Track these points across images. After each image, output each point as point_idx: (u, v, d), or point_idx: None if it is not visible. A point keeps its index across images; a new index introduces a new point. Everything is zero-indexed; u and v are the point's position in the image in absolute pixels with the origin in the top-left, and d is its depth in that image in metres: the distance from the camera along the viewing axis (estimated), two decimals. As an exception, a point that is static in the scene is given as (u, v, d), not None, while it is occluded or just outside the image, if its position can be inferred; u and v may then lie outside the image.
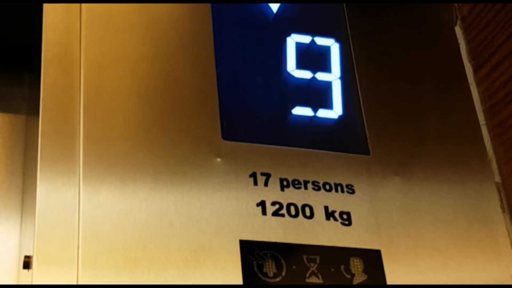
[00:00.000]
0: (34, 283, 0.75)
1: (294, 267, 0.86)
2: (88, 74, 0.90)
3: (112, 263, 0.79)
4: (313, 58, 1.04)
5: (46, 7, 0.92)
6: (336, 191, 0.93)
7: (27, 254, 0.84)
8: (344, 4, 1.09)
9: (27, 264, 0.80)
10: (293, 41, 1.03)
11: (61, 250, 0.78)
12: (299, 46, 1.04)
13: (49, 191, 0.81)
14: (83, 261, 0.78)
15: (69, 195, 0.82)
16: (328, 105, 1.01)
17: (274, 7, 1.06)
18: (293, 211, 0.90)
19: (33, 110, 1.04)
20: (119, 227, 0.81)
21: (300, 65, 1.02)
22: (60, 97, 0.88)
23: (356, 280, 0.88)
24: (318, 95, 1.02)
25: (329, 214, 0.91)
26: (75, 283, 0.76)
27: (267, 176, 0.91)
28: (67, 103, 0.87)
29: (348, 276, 0.87)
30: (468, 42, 1.15)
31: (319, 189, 0.93)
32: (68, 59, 0.90)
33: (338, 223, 0.91)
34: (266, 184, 0.90)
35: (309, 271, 0.86)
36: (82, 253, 0.78)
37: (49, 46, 0.90)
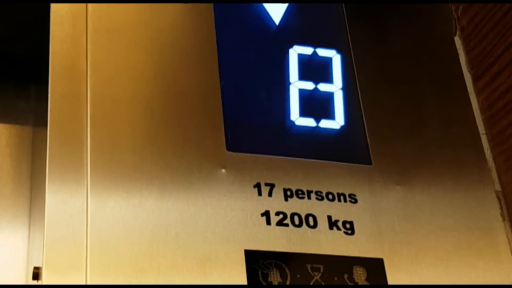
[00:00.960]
0: (44, 293, 0.77)
1: (298, 276, 0.87)
2: (95, 86, 0.91)
3: (120, 273, 0.80)
4: (315, 69, 1.06)
5: (53, 20, 0.94)
6: (339, 200, 0.95)
7: (35, 265, 0.85)
8: (345, 14, 1.11)
9: (36, 275, 0.81)
10: (295, 52, 1.05)
11: (70, 261, 0.79)
12: (301, 57, 1.05)
13: (58, 202, 0.83)
14: (92, 271, 0.79)
15: (77, 206, 0.83)
16: (331, 115, 1.02)
17: (277, 19, 1.08)
18: (297, 221, 0.91)
19: (40, 122, 1.05)
20: (126, 238, 0.83)
21: (302, 76, 1.04)
22: (67, 109, 0.89)
23: (359, 289, 0.89)
24: (321, 106, 1.03)
25: (332, 224, 0.93)
26: (84, 293, 0.78)
27: (271, 186, 0.93)
28: (74, 115, 0.89)
29: (352, 285, 0.89)
30: (467, 52, 1.17)
31: (322, 198, 0.94)
32: (75, 72, 0.92)
33: (341, 232, 0.92)
34: (270, 194, 0.92)
35: (313, 280, 0.88)
36: (91, 263, 0.80)
37: (56, 59, 0.92)
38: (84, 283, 0.78)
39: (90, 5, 0.96)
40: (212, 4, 1.03)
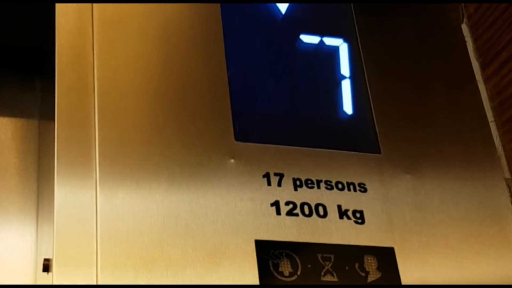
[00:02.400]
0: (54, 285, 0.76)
1: (309, 265, 0.87)
2: (102, 77, 0.91)
3: (130, 264, 0.80)
4: (323, 58, 1.05)
5: (58, 11, 0.93)
6: (349, 190, 0.94)
7: (44, 257, 0.85)
8: (351, 4, 1.10)
9: (47, 267, 0.81)
10: (302, 41, 1.04)
11: (80, 253, 0.79)
12: (308, 46, 1.04)
13: (67, 194, 0.82)
14: (102, 263, 0.79)
15: (86, 199, 0.82)
16: (339, 105, 1.02)
17: (283, 8, 1.07)
18: (306, 211, 0.91)
19: (46, 114, 1.05)
20: (136, 229, 0.82)
21: (309, 65, 1.03)
22: (74, 101, 0.88)
23: (371, 278, 0.88)
24: (329, 95, 1.02)
25: (342, 213, 0.92)
26: (95, 284, 0.77)
27: (281, 176, 0.92)
28: (81, 107, 0.88)
29: (363, 274, 0.88)
30: (475, 40, 1.16)
31: (332, 188, 0.93)
32: (81, 63, 0.91)
33: (351, 222, 0.92)
34: (279, 184, 0.91)
35: (324, 270, 0.87)
36: (101, 255, 0.79)
37: (62, 50, 0.91)
38: (94, 275, 0.78)
39: (96, -4, 0.95)
40: (218, -5, 1.03)
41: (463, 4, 1.18)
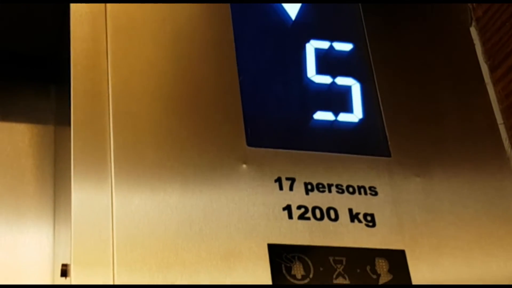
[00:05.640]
0: (72, 290, 0.78)
1: (321, 268, 0.88)
2: (116, 84, 0.92)
3: (146, 269, 0.81)
4: (332, 63, 1.06)
5: (73, 21, 0.95)
6: (360, 193, 0.95)
7: (61, 262, 0.87)
8: (360, 8, 1.11)
9: (64, 272, 0.82)
10: (312, 47, 1.05)
11: (97, 258, 0.80)
12: (318, 51, 1.06)
13: (83, 200, 0.84)
14: (119, 267, 0.81)
15: (103, 204, 0.84)
16: (349, 109, 1.03)
17: (293, 13, 1.08)
18: (318, 214, 0.92)
19: (61, 121, 1.07)
20: (151, 234, 0.84)
21: (320, 71, 1.04)
22: (90, 108, 0.90)
23: (382, 280, 0.90)
24: (339, 100, 1.04)
25: (353, 216, 0.93)
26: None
27: (292, 180, 0.93)
28: (97, 113, 0.90)
29: (374, 277, 0.89)
30: (483, 43, 1.17)
31: (342, 192, 0.95)
32: (96, 71, 0.93)
33: (362, 225, 0.93)
34: (291, 189, 0.93)
35: (336, 272, 0.88)
36: (117, 260, 0.81)
37: (77, 58, 0.93)
38: (111, 278, 0.79)
39: (109, 4, 0.97)
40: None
41: (471, 7, 1.19)
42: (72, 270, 0.78)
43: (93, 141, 0.88)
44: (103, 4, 0.97)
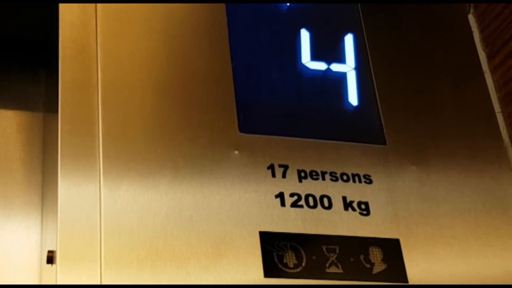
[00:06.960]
0: (58, 277, 0.76)
1: (314, 257, 0.86)
2: (105, 70, 0.91)
3: (134, 256, 0.80)
4: (328, 49, 1.04)
5: (62, 4, 0.93)
6: (354, 181, 0.94)
7: (49, 249, 0.85)
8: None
9: (50, 259, 0.81)
10: (306, 32, 1.04)
11: (84, 245, 0.79)
12: (313, 37, 1.04)
13: (70, 187, 0.82)
14: (106, 255, 0.79)
15: (90, 191, 0.82)
16: (344, 95, 1.01)
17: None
18: (311, 202, 0.90)
19: (50, 107, 1.05)
20: (140, 221, 0.82)
21: (314, 57, 1.02)
22: (78, 94, 0.88)
23: (376, 269, 0.88)
24: (334, 86, 1.02)
25: (347, 205, 0.92)
26: (99, 276, 0.77)
27: (285, 167, 0.92)
28: (85, 100, 0.88)
29: (368, 266, 0.88)
30: (481, 30, 1.15)
31: (336, 179, 0.93)
32: (85, 56, 0.91)
33: (356, 213, 0.91)
34: (284, 176, 0.91)
35: (329, 261, 0.87)
36: (105, 247, 0.79)
37: (66, 43, 0.91)
38: (98, 267, 0.78)
39: (99, -12, 0.95)
40: (222, -15, 1.02)
41: (469, -6, 1.18)
42: (58, 257, 0.77)
43: (81, 127, 0.86)
44: (93, -12, 0.95)
